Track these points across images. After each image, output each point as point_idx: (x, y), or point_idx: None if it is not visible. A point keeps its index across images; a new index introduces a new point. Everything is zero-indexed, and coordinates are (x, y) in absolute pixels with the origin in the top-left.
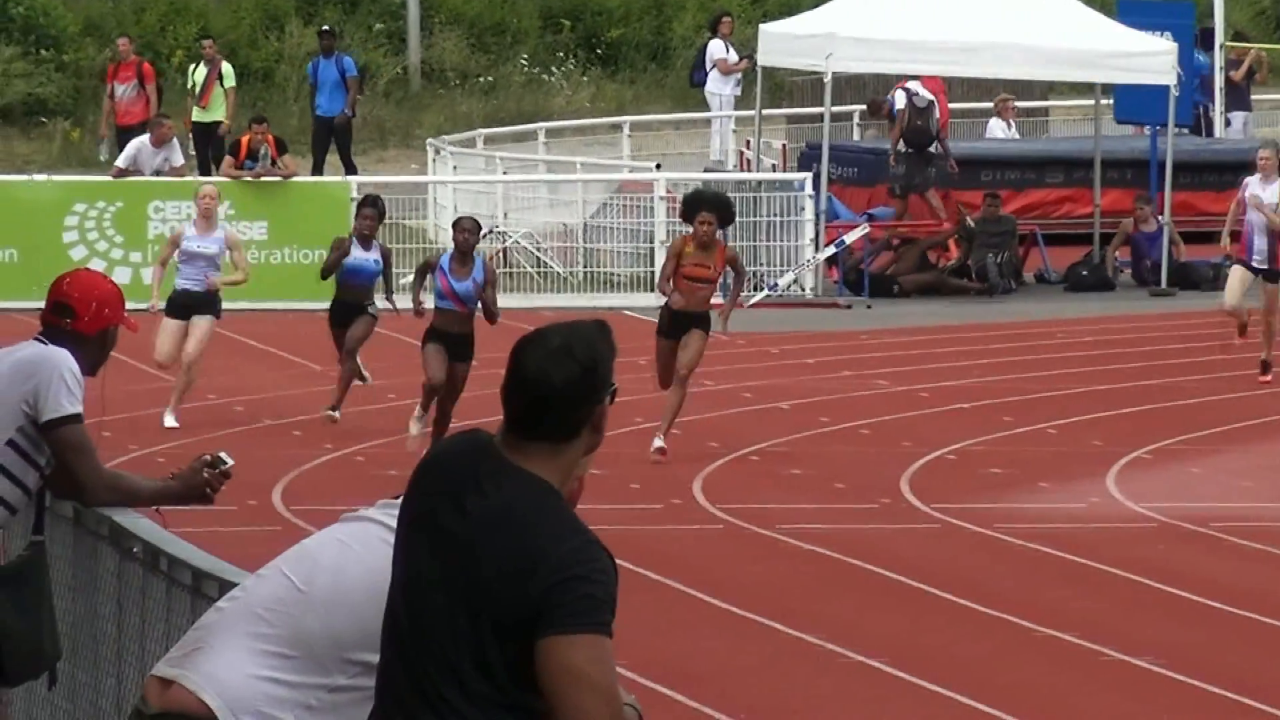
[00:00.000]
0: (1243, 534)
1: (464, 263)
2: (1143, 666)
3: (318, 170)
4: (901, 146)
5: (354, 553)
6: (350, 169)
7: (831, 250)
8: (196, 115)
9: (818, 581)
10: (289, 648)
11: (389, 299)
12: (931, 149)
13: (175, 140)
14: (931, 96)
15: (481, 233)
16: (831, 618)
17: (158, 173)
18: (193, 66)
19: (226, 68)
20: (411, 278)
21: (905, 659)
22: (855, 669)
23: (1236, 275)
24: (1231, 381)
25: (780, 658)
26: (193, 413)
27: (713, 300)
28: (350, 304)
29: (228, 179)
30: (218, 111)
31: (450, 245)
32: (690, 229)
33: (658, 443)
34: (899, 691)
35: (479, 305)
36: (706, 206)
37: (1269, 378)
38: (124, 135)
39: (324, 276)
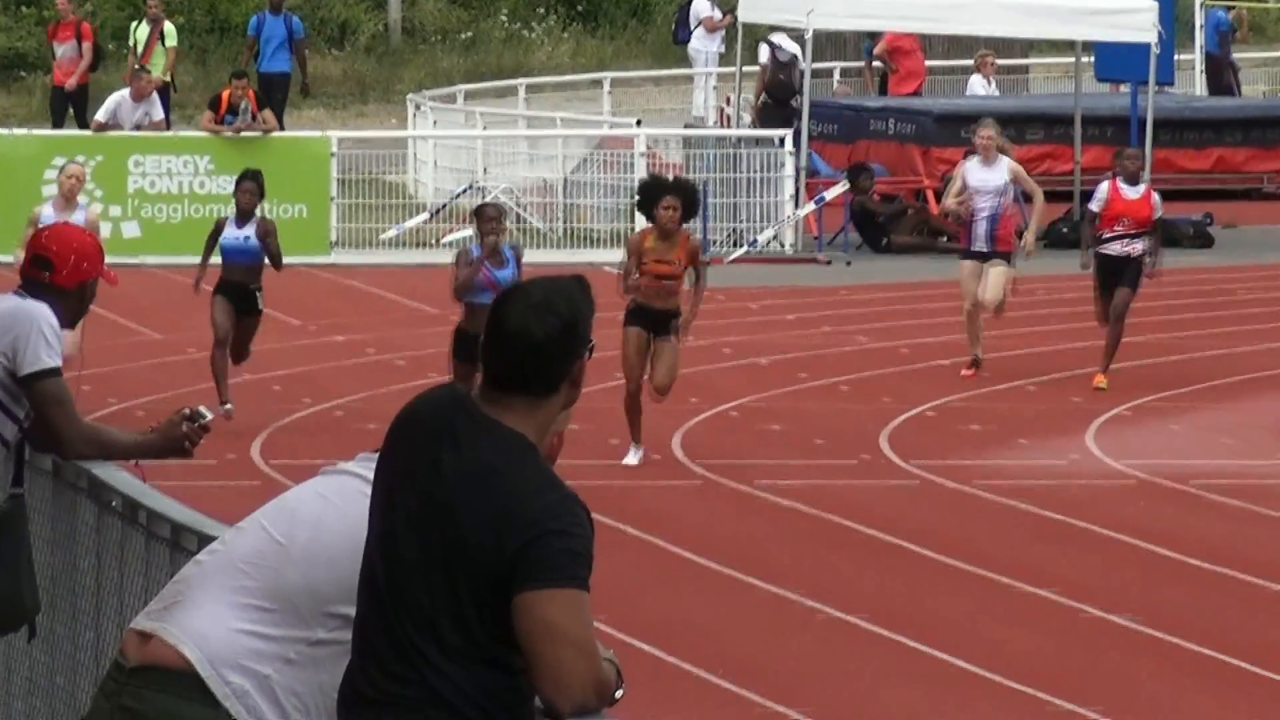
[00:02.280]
0: (1222, 491)
1: (495, 252)
2: (1122, 624)
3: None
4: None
5: (334, 506)
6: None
7: (811, 206)
8: None
9: (796, 538)
10: (269, 601)
11: (276, 267)
12: (793, 103)
13: (155, 94)
14: (795, 51)
15: (466, 188)
16: (810, 574)
17: (138, 127)
18: (135, 24)
19: (169, 27)
20: (455, 269)
21: (883, 616)
22: (833, 625)
23: (966, 270)
24: (1211, 339)
25: (758, 614)
26: (174, 367)
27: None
28: (236, 285)
29: (208, 133)
30: (158, 70)
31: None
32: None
33: (634, 458)
34: (877, 648)
35: None
36: (669, 191)
37: (973, 373)
38: (61, 96)
39: (204, 259)
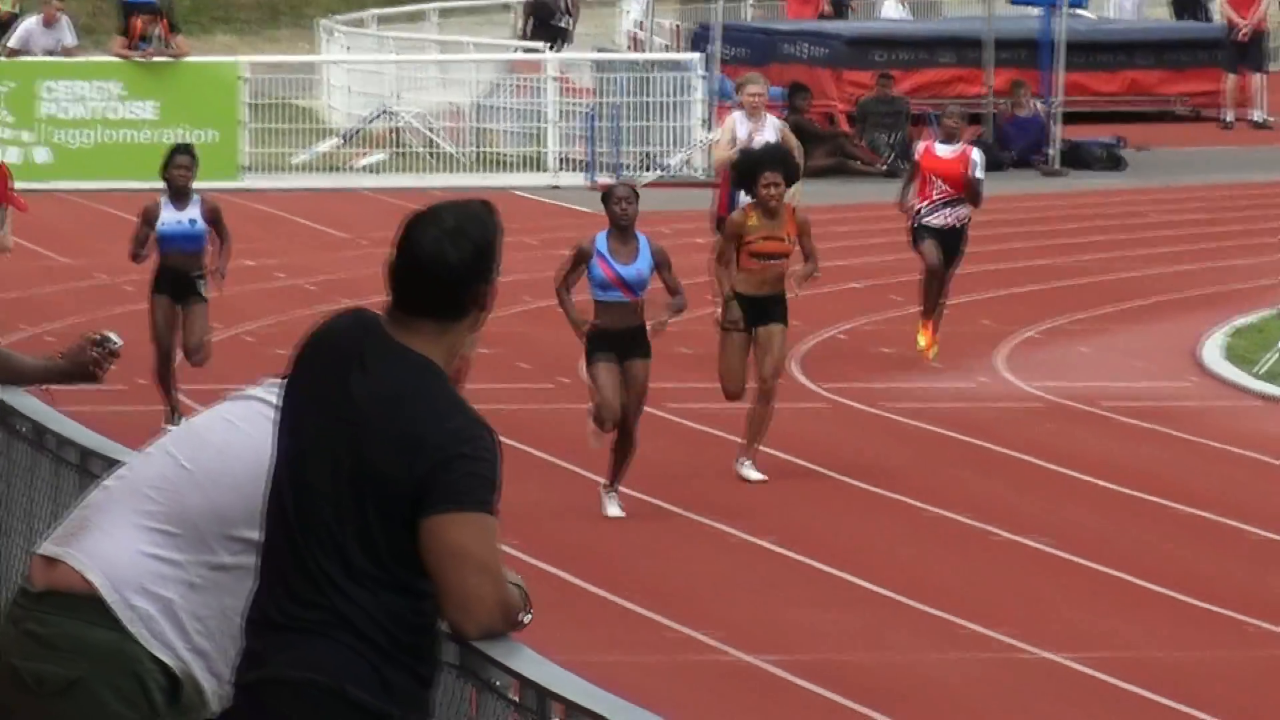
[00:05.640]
0: (1132, 413)
1: (625, 240)
2: (1031, 546)
3: None
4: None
5: (239, 431)
6: None
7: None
8: None
9: (708, 461)
10: (173, 525)
11: (219, 272)
12: (562, 24)
13: (66, 20)
14: None
15: (378, 113)
16: (720, 497)
17: (49, 53)
18: None
19: None
20: (561, 273)
21: (793, 538)
22: (744, 548)
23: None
24: (1122, 261)
25: (671, 538)
26: (84, 292)
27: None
28: (178, 272)
29: (119, 58)
30: (5, 4)
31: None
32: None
33: (752, 474)
34: (787, 571)
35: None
36: (768, 164)
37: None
38: None
39: (135, 259)
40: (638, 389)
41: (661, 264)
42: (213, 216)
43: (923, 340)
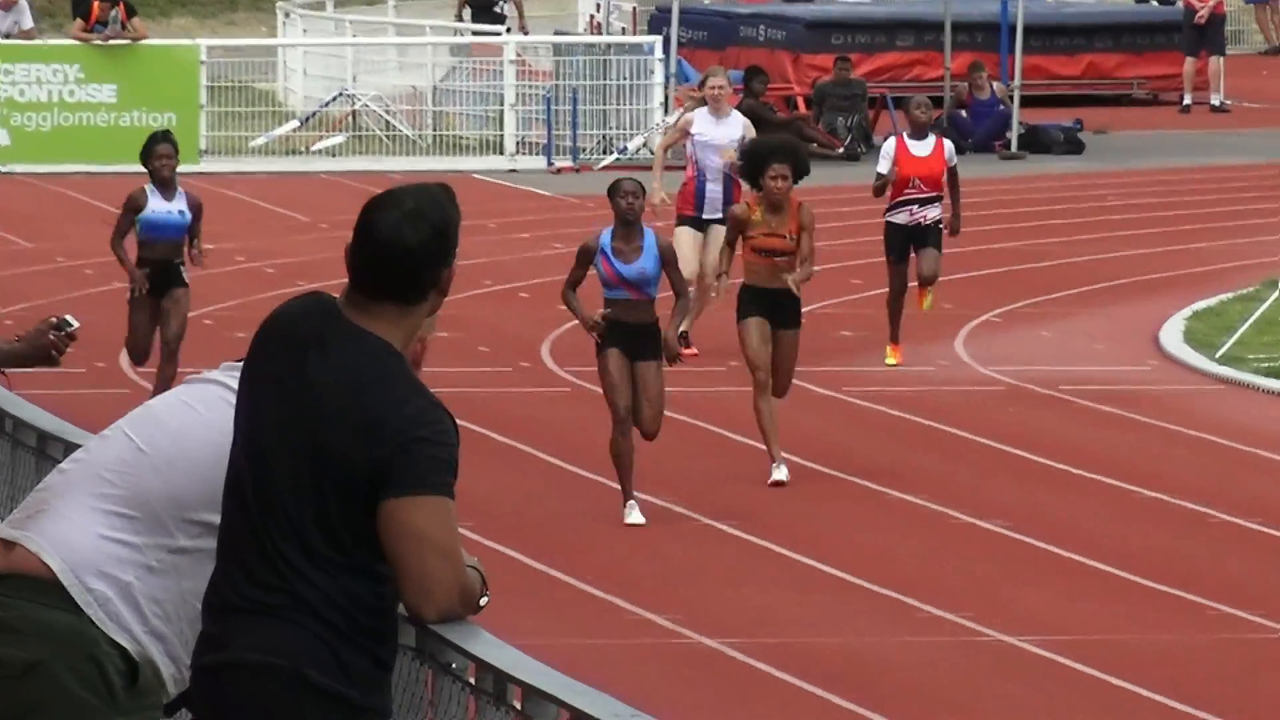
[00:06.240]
0: (1092, 396)
1: (629, 238)
2: (991, 529)
3: None
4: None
5: (197, 414)
6: None
7: (681, 114)
8: None
9: (665, 444)
10: (130, 508)
11: (196, 250)
12: (497, 9)
13: (24, 2)
14: None
15: (336, 96)
16: (679, 480)
17: (6, 35)
18: None
19: None
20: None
21: (753, 522)
22: (702, 532)
23: (687, 239)
24: (1081, 245)
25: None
26: (42, 276)
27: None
28: (160, 265)
29: (78, 42)
30: None
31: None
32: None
33: (780, 474)
34: (746, 554)
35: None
36: (776, 156)
37: (694, 350)
38: None
39: (116, 248)
40: (651, 393)
41: (668, 260)
42: (196, 212)
43: (892, 359)
